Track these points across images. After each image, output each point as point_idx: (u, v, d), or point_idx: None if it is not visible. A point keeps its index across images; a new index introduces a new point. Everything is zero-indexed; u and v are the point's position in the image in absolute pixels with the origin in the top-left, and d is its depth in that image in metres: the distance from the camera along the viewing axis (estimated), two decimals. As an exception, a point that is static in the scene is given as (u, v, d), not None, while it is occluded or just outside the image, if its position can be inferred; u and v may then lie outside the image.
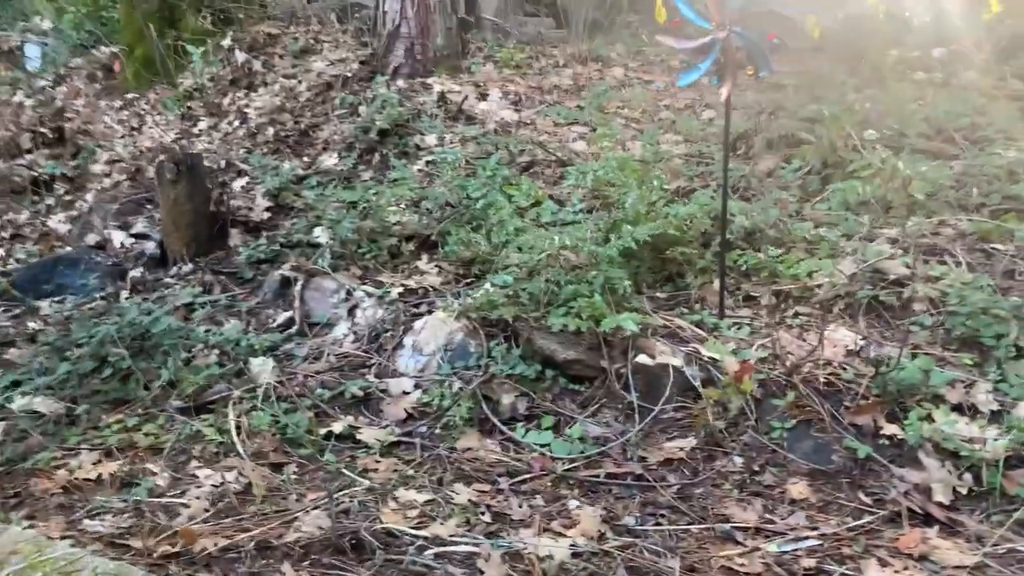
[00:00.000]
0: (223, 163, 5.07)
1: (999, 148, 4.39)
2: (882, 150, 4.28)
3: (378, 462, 2.71)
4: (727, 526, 2.29)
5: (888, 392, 2.70)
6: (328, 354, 3.46)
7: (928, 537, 2.19)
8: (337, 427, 2.91)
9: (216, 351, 3.42)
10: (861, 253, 3.47)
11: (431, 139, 5.22)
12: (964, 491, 2.38)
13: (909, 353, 2.89)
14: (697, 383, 2.88)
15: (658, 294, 3.55)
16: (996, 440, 2.49)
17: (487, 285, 3.54)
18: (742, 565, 2.09)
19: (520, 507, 2.43)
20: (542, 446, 2.78)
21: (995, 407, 2.64)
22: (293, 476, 2.64)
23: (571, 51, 6.71)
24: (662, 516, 2.37)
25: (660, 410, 2.86)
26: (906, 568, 2.05)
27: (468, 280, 3.84)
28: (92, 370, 3.10)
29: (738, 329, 3.15)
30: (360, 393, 3.12)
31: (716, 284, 3.51)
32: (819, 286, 3.40)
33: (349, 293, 3.77)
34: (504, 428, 2.89)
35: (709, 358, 2.95)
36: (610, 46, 7.17)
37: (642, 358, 2.96)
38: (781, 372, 2.84)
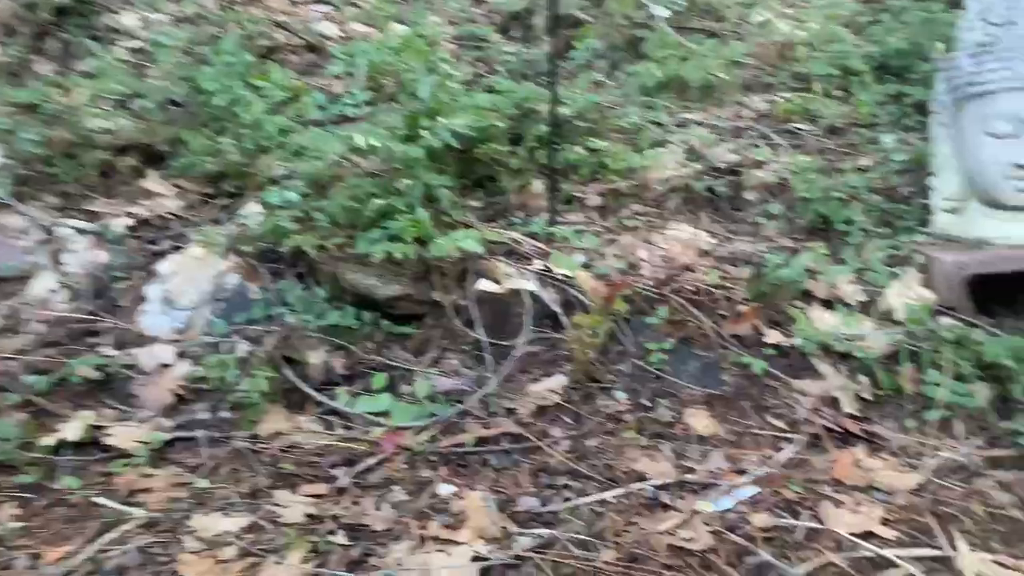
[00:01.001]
0: None
1: (769, 28, 4.31)
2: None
3: (150, 476, 1.87)
4: (648, 487, 1.84)
5: (762, 295, 2.41)
6: (30, 321, 2.41)
7: (859, 459, 1.92)
8: (71, 430, 1.99)
9: None
10: (687, 142, 3.15)
11: (130, 19, 3.99)
12: (868, 397, 2.16)
13: (767, 247, 2.63)
14: (557, 308, 2.36)
15: (471, 203, 2.94)
16: (877, 335, 2.30)
17: (253, 206, 2.69)
18: (689, 540, 1.66)
19: (378, 510, 1.78)
20: (379, 415, 2.11)
21: (863, 297, 2.45)
22: (15, 524, 1.72)
23: (293, -85, 5.58)
24: (565, 487, 1.86)
25: (516, 345, 2.31)
26: (860, 504, 1.76)
27: (221, 202, 2.92)
28: None
29: (579, 237, 2.68)
30: (96, 374, 2.18)
31: (536, 186, 3.00)
32: (640, 182, 3.02)
33: (48, 232, 2.69)
34: (321, 397, 2.17)
35: (562, 276, 2.45)
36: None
37: (485, 284, 2.37)
38: (649, 285, 2.42)
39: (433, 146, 2.66)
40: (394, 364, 2.28)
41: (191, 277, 2.44)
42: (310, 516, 1.74)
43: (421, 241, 2.39)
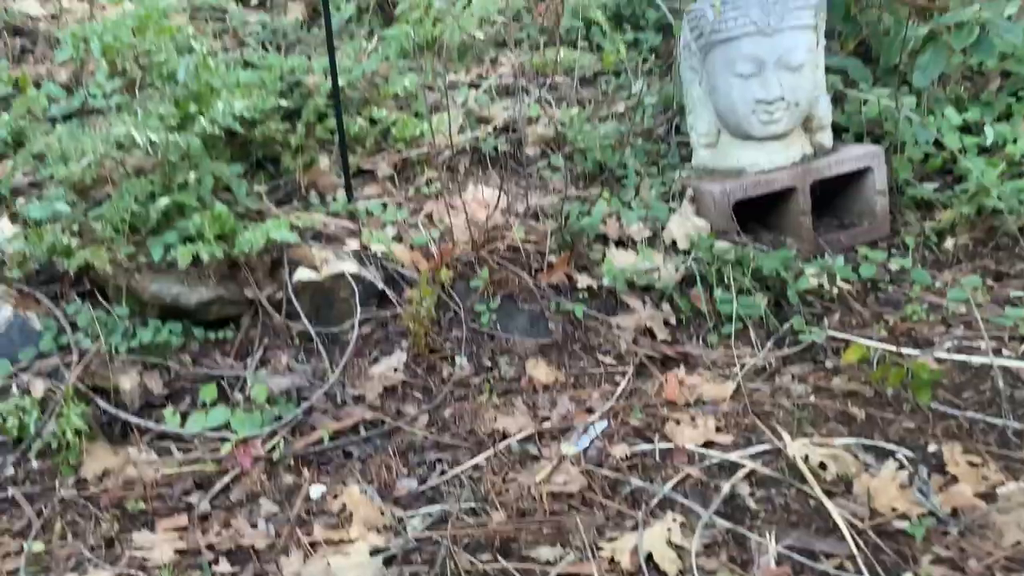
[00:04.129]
0: None
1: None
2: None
3: (-35, 555, 1.61)
4: (513, 443, 1.92)
5: (566, 244, 2.57)
6: None
7: (681, 379, 2.16)
8: None
9: None
10: (463, 104, 3.21)
11: None
12: (673, 322, 2.41)
13: (558, 198, 2.79)
14: (382, 286, 2.34)
15: (256, 188, 2.78)
16: (668, 266, 2.56)
17: (5, 225, 2.34)
18: (565, 484, 1.77)
19: (254, 527, 1.69)
20: (219, 429, 1.98)
21: (648, 234, 2.70)
22: None
23: None
24: (437, 461, 1.89)
25: (346, 330, 2.26)
26: (695, 419, 1.98)
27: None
28: None
29: (384, 211, 2.65)
30: None
31: (322, 163, 2.91)
32: (427, 149, 3.05)
33: None
34: (145, 423, 1.98)
35: (378, 253, 2.42)
36: None
37: (304, 273, 2.28)
38: (465, 249, 2.47)
39: (210, 133, 2.47)
40: (219, 373, 2.13)
41: (-54, 318, 2.08)
42: (181, 552, 1.61)
43: (222, 237, 2.23)
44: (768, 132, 2.68)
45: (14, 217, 2.37)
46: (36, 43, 3.50)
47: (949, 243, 2.84)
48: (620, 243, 2.66)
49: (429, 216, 2.65)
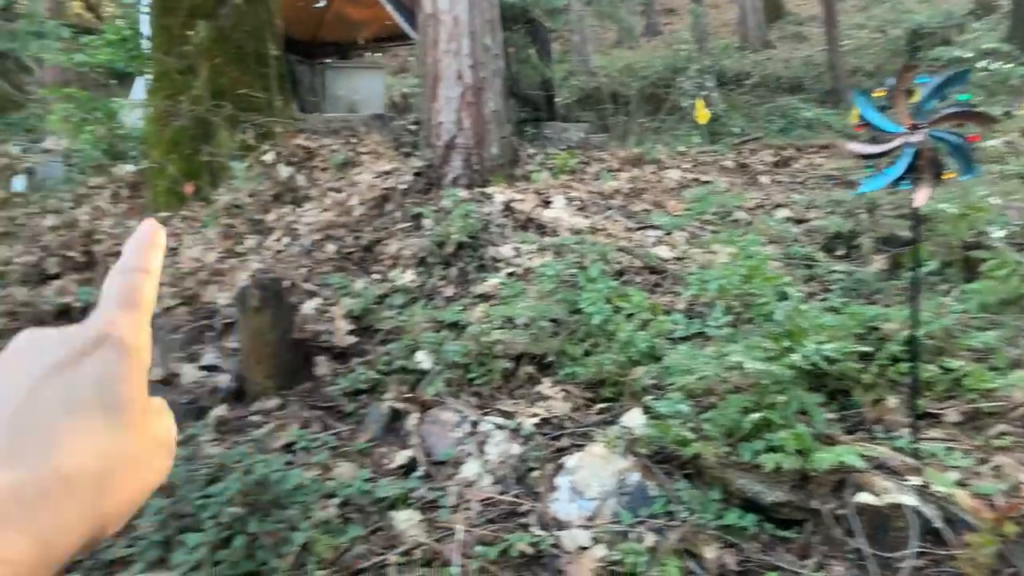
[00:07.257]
0: (289, 283, 4.71)
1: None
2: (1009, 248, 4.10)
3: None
4: None
5: None
6: (471, 500, 3.02)
7: None
8: (520, 597, 2.46)
9: (335, 502, 2.96)
10: (1048, 362, 3.21)
11: (506, 250, 4.94)
12: None
13: None
14: (940, 525, 2.51)
15: (828, 415, 3.21)
16: None
17: (635, 412, 3.18)
18: None
19: None
20: (777, 611, 2.36)
21: None
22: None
23: (623, 154, 6.58)
24: None
25: (898, 558, 2.47)
26: None
27: (601, 406, 3.47)
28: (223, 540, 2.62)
29: (949, 455, 2.82)
30: (530, 550, 2.68)
31: (890, 402, 3.20)
32: (1004, 403, 3.10)
33: (474, 425, 3.37)
34: (720, 589, 2.47)
35: (939, 493, 2.60)
36: (652, 148, 7.08)
37: (864, 497, 2.59)
38: (1035, 507, 2.49)
39: (798, 366, 3.02)
40: (779, 565, 2.54)
41: (595, 472, 2.93)
42: None
43: (800, 452, 2.69)
44: None
45: (646, 409, 3.21)
46: (665, 279, 4.62)
47: None
48: None
49: (998, 468, 2.72)
